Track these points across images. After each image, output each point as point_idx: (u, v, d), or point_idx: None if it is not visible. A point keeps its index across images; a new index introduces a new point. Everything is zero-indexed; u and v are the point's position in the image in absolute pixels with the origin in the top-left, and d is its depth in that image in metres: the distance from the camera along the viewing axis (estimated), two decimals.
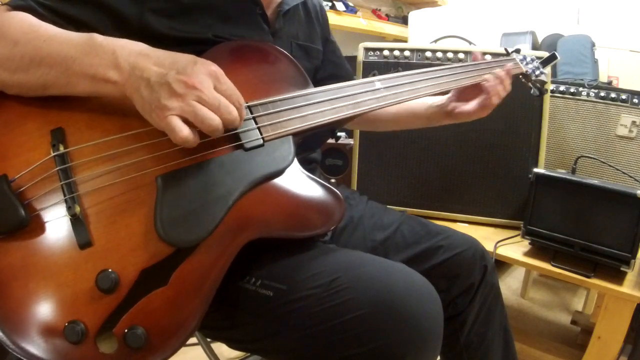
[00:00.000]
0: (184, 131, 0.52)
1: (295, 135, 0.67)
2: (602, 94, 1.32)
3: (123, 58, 0.54)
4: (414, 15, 2.23)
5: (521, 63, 1.01)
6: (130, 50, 0.55)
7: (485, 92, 0.88)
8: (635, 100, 1.29)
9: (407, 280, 0.60)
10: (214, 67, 0.55)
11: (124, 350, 0.51)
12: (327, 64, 0.98)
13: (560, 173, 1.13)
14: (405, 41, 2.30)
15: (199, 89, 0.52)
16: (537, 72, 1.03)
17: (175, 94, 0.52)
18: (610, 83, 1.61)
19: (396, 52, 1.27)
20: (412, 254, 0.84)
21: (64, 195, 0.54)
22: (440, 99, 0.94)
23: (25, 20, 0.59)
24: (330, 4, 2.30)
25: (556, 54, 1.05)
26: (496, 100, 0.89)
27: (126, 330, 0.51)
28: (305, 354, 0.59)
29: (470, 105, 0.90)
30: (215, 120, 0.53)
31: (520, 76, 1.02)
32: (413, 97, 0.82)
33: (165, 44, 0.67)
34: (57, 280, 0.51)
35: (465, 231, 0.89)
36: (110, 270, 0.52)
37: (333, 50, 1.01)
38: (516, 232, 1.19)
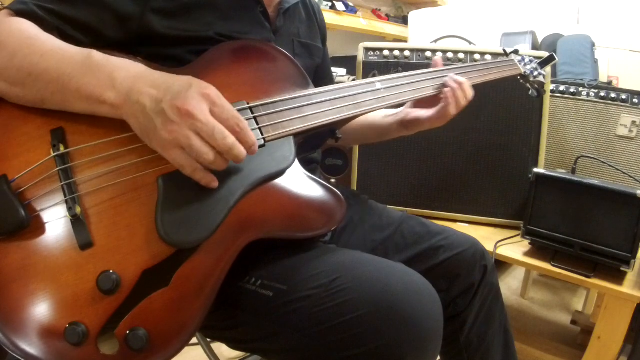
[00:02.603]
0: (193, 166, 0.53)
1: (297, 135, 0.67)
2: (602, 94, 1.32)
3: (119, 81, 0.54)
4: (414, 15, 2.23)
5: (519, 64, 1.01)
6: (127, 72, 0.55)
7: (444, 100, 0.83)
8: (635, 100, 1.29)
9: (406, 280, 0.60)
10: (210, 90, 0.53)
11: (126, 352, 0.51)
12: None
13: (560, 173, 1.13)
14: (405, 41, 2.30)
15: (192, 116, 0.51)
16: (536, 73, 1.03)
17: (170, 122, 0.51)
18: (610, 83, 1.61)
19: (396, 52, 1.27)
20: (412, 254, 0.84)
21: (65, 196, 0.54)
22: (397, 109, 0.91)
23: (25, 30, 0.58)
24: (330, 4, 2.29)
25: (554, 55, 1.05)
26: (453, 110, 0.83)
27: (128, 332, 0.51)
28: (305, 354, 0.59)
29: (425, 112, 0.86)
30: (209, 154, 0.52)
31: (519, 77, 1.02)
32: (414, 97, 0.82)
33: (166, 43, 0.67)
34: (58, 281, 0.51)
35: (465, 231, 0.89)
36: (111, 271, 0.52)
37: (325, 55, 1.00)
38: (516, 232, 1.20)
